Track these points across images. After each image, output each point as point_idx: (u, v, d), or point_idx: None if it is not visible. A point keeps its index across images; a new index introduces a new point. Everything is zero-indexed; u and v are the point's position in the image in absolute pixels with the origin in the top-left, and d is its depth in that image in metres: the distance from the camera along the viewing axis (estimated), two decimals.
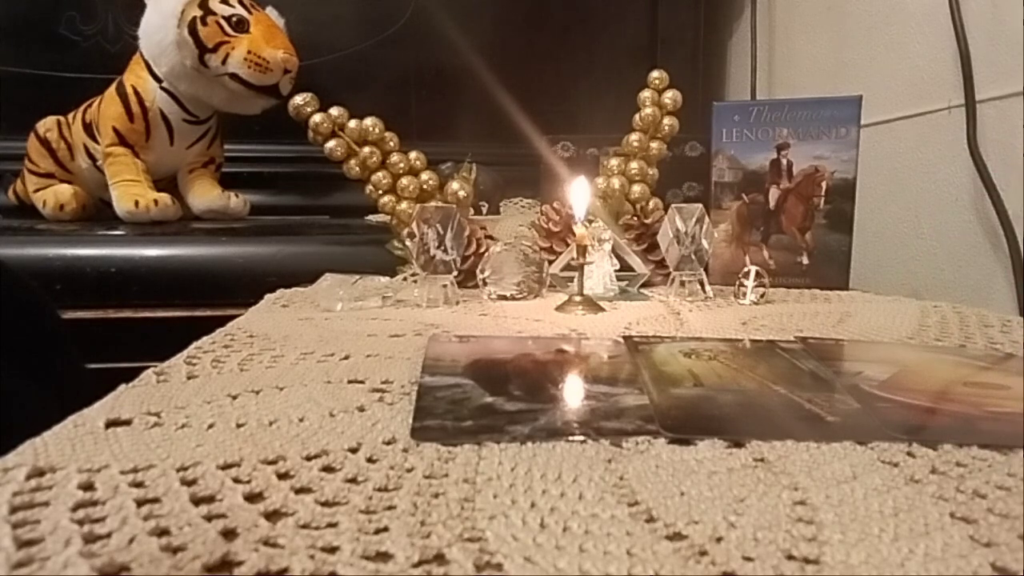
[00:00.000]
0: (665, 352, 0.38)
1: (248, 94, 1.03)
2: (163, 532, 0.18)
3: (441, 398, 0.29)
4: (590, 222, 0.63)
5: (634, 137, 0.76)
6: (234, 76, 1.00)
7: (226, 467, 0.22)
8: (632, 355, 0.37)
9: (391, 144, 0.76)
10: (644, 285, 0.66)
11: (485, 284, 0.61)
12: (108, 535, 0.17)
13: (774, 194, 0.72)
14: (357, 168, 0.76)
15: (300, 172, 1.20)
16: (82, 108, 1.07)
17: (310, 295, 0.62)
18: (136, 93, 1.01)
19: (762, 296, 0.60)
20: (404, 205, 0.76)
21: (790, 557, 0.17)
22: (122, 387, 0.30)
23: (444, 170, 0.81)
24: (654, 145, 0.76)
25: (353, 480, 0.21)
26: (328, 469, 0.22)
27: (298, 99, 0.75)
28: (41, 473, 0.21)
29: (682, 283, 0.62)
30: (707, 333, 0.45)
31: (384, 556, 0.17)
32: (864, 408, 0.28)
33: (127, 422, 0.26)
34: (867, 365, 0.35)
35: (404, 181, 0.76)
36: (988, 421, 0.27)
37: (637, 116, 0.76)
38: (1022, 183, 0.73)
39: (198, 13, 0.98)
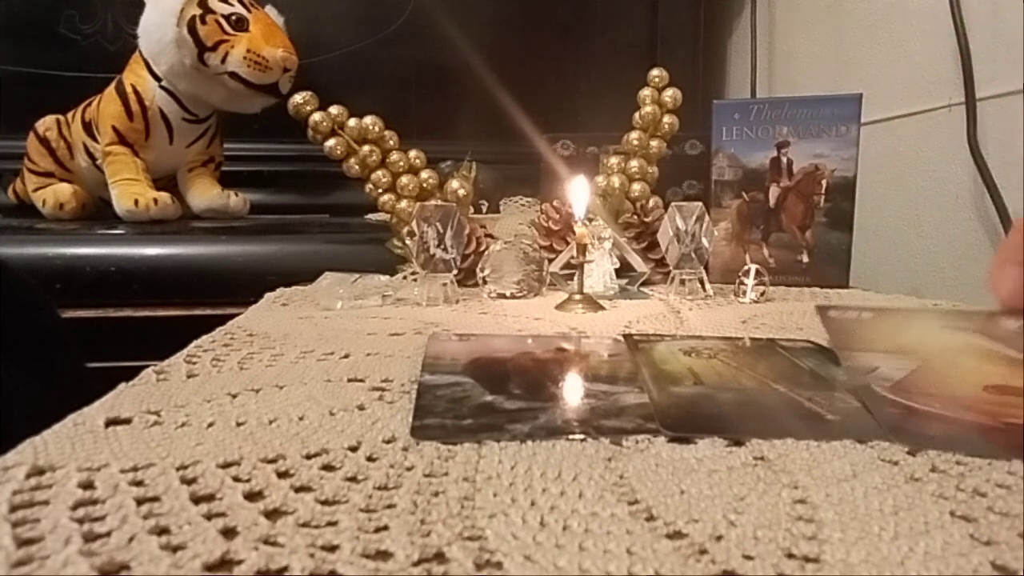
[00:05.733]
0: (665, 350, 0.38)
1: (247, 93, 1.03)
2: (163, 531, 0.18)
3: (441, 396, 0.29)
4: (590, 220, 0.63)
5: (634, 135, 0.76)
6: (233, 75, 1.00)
7: (226, 466, 0.22)
8: (632, 353, 0.37)
9: (391, 142, 0.76)
10: (644, 283, 0.65)
11: (485, 283, 0.61)
12: (108, 534, 0.17)
13: (774, 192, 0.72)
14: (357, 167, 0.76)
15: (300, 171, 1.20)
16: (81, 107, 1.07)
17: (310, 294, 0.62)
18: (135, 92, 1.01)
19: (762, 294, 0.60)
20: (404, 204, 0.76)
21: (790, 555, 0.17)
22: (122, 386, 0.30)
23: (444, 168, 0.81)
24: (654, 143, 0.76)
25: (353, 479, 0.21)
26: (328, 468, 0.22)
27: (297, 97, 0.75)
28: (41, 472, 0.21)
29: (682, 281, 0.62)
30: (707, 331, 0.45)
31: (384, 554, 0.17)
32: (874, 413, 0.27)
33: (127, 421, 0.26)
34: (884, 358, 0.33)
35: (404, 180, 0.76)
36: (1001, 433, 0.26)
37: (637, 114, 0.76)
38: (1022, 181, 0.73)
39: (197, 11, 0.98)
